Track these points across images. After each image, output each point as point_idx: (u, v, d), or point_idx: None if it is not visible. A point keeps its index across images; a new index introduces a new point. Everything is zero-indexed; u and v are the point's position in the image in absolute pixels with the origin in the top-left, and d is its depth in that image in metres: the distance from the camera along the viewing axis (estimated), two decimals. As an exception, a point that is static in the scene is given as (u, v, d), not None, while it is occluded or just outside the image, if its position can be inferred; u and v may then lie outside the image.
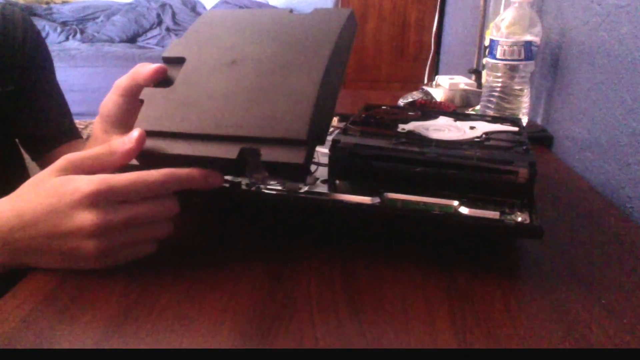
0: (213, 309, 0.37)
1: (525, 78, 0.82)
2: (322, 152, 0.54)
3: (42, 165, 0.78)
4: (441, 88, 1.10)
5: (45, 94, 0.77)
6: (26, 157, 0.80)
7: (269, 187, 0.47)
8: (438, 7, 2.38)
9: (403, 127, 0.56)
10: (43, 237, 0.39)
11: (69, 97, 0.82)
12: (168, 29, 3.41)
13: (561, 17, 0.86)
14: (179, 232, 0.48)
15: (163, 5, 3.51)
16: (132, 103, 0.48)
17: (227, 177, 0.48)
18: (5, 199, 0.42)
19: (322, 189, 0.48)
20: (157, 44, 3.31)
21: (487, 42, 0.93)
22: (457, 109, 0.97)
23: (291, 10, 0.51)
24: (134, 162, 0.44)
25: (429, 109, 0.81)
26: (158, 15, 3.47)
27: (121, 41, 3.33)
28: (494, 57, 0.82)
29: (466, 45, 1.83)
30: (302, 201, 0.46)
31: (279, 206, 0.48)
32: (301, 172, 0.41)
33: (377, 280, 0.42)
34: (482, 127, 0.57)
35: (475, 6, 1.59)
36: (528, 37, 0.79)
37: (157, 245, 0.43)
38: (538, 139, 0.84)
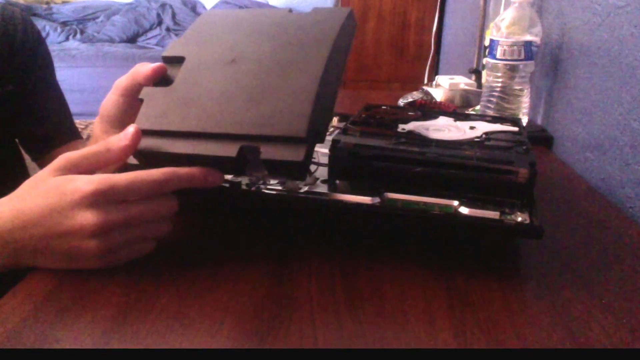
0: (213, 309, 0.37)
1: (525, 78, 0.82)
2: (322, 152, 0.54)
3: (42, 165, 0.77)
4: (441, 88, 1.10)
5: (45, 94, 0.77)
6: (26, 157, 0.80)
7: (269, 187, 0.47)
8: (438, 7, 2.38)
9: (403, 127, 0.56)
10: (43, 237, 0.39)
11: (69, 97, 0.82)
12: (168, 29, 3.41)
13: (561, 17, 0.86)
14: (179, 232, 0.48)
15: (163, 5, 3.50)
16: (131, 103, 0.48)
17: (227, 177, 0.48)
18: (5, 199, 0.42)
19: (322, 189, 0.48)
20: (157, 44, 3.31)
21: (487, 42, 0.93)
22: (457, 109, 0.97)
23: (290, 10, 0.51)
24: (134, 161, 0.44)
25: (429, 109, 0.81)
26: (158, 15, 3.47)
27: (121, 41, 3.33)
28: (494, 57, 0.82)
29: (466, 45, 1.83)
30: (302, 201, 0.46)
31: (279, 206, 0.48)
32: (301, 170, 0.41)
33: (377, 280, 0.42)
34: (482, 127, 0.57)
35: (475, 6, 1.59)
36: (528, 37, 0.79)
37: (155, 244, 0.43)
38: (538, 139, 0.84)
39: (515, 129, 0.58)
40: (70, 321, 0.36)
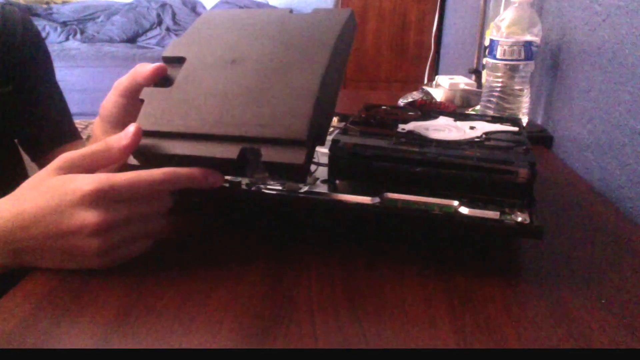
0: (213, 309, 0.37)
1: (525, 78, 0.82)
2: (322, 152, 0.54)
3: (42, 165, 0.77)
4: (441, 88, 1.10)
5: (44, 94, 0.77)
6: (26, 157, 0.80)
7: (269, 187, 0.47)
8: (438, 7, 2.38)
9: (403, 127, 0.56)
10: (44, 236, 0.39)
11: (69, 97, 0.82)
12: (168, 29, 3.41)
13: (561, 17, 0.86)
14: (179, 232, 0.48)
15: (163, 5, 3.51)
16: (132, 103, 0.48)
17: (227, 177, 0.48)
18: (4, 198, 0.42)
19: (322, 189, 0.48)
20: (157, 44, 3.32)
21: (487, 42, 0.93)
22: (457, 109, 0.97)
23: (291, 11, 0.51)
24: (135, 162, 0.44)
25: (429, 109, 0.81)
26: (158, 15, 3.47)
27: (121, 41, 3.33)
28: (494, 57, 0.82)
29: (466, 45, 1.83)
30: (302, 201, 0.46)
31: (279, 206, 0.48)
32: (301, 172, 0.41)
33: (377, 280, 0.42)
34: (482, 127, 0.57)
35: (475, 6, 1.59)
36: (528, 37, 0.79)
37: (152, 242, 0.43)
38: (538, 139, 0.84)
39: (515, 129, 0.58)
40: (70, 321, 0.36)
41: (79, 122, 0.93)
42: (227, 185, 0.47)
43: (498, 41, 0.81)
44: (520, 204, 0.45)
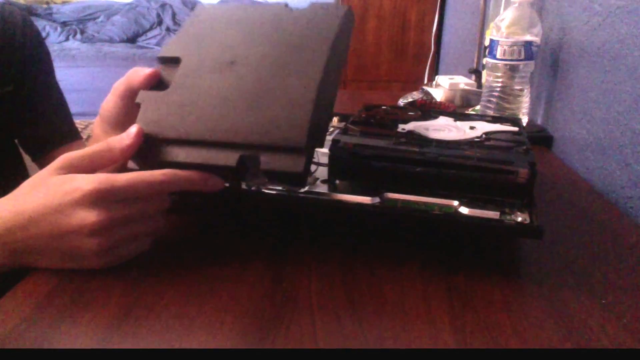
0: (213, 309, 0.37)
1: (525, 78, 0.82)
2: (322, 152, 0.54)
3: (42, 165, 0.77)
4: (441, 88, 1.10)
5: (44, 94, 0.77)
6: (26, 157, 0.80)
7: (269, 187, 0.47)
8: (438, 7, 2.38)
9: (403, 127, 0.56)
10: (44, 236, 0.39)
11: (69, 97, 0.82)
12: (168, 29, 3.41)
13: (561, 17, 0.86)
14: (179, 232, 0.48)
15: (163, 5, 3.51)
16: (131, 105, 0.47)
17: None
18: (4, 198, 0.42)
19: (322, 189, 0.48)
20: (157, 44, 3.31)
21: (487, 42, 0.93)
22: (457, 109, 0.97)
23: (287, 5, 0.49)
24: (135, 167, 0.44)
25: (429, 109, 0.81)
26: (158, 15, 3.47)
27: (121, 41, 3.33)
28: (494, 57, 0.82)
29: (466, 45, 1.83)
30: (302, 201, 0.46)
31: (279, 206, 0.48)
32: (300, 179, 0.42)
33: (377, 280, 0.42)
34: (482, 127, 0.57)
35: (475, 6, 1.59)
36: (528, 37, 0.79)
37: (151, 241, 0.43)
38: (538, 139, 0.84)
39: (515, 129, 0.58)
40: (70, 321, 0.36)
41: (79, 122, 0.93)
42: (227, 185, 0.47)
43: (498, 41, 0.81)
44: (520, 204, 0.45)
